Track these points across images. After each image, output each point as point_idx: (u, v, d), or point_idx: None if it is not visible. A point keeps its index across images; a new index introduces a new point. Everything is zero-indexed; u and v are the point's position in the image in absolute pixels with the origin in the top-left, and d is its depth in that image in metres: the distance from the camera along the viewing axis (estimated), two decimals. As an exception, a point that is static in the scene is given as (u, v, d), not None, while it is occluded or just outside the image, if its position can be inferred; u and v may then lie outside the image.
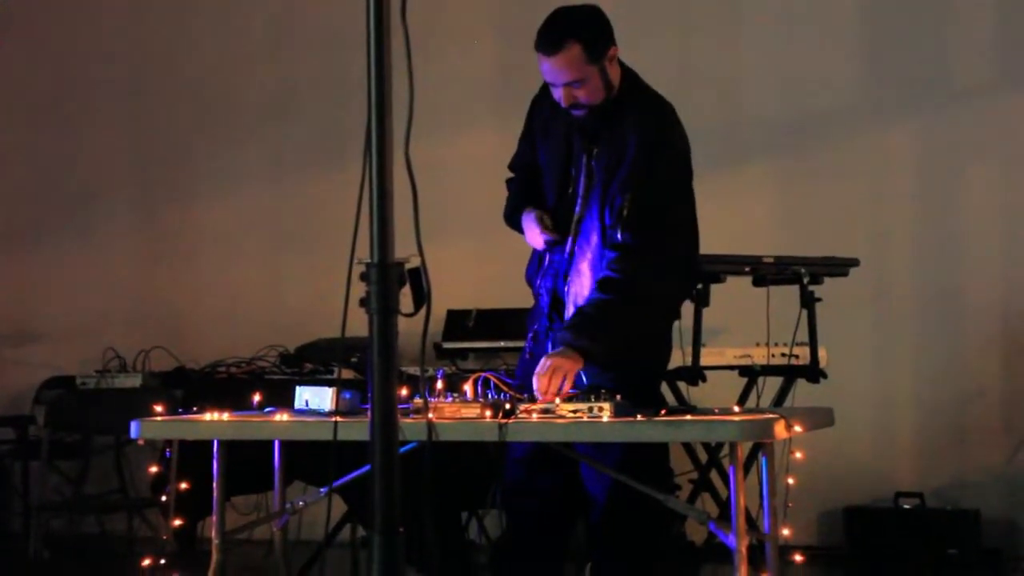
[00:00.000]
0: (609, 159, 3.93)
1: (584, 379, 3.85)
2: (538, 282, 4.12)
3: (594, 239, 3.94)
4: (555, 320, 4.04)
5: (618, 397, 3.55)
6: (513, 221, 4.20)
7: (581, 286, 3.95)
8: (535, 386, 3.76)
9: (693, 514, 3.85)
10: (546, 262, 4.09)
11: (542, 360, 3.80)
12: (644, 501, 3.78)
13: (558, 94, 3.94)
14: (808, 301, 4.97)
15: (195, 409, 5.36)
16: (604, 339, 3.81)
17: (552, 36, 3.88)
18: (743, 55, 7.01)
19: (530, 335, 4.13)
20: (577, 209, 4.01)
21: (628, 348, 3.91)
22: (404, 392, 3.57)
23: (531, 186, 4.17)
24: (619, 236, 3.85)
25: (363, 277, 2.47)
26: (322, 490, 4.07)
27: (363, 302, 2.47)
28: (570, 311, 3.97)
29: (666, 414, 3.63)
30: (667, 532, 4.22)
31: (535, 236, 4.05)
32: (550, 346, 3.96)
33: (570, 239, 4.02)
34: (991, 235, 6.62)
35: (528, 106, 4.23)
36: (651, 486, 3.72)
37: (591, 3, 4.01)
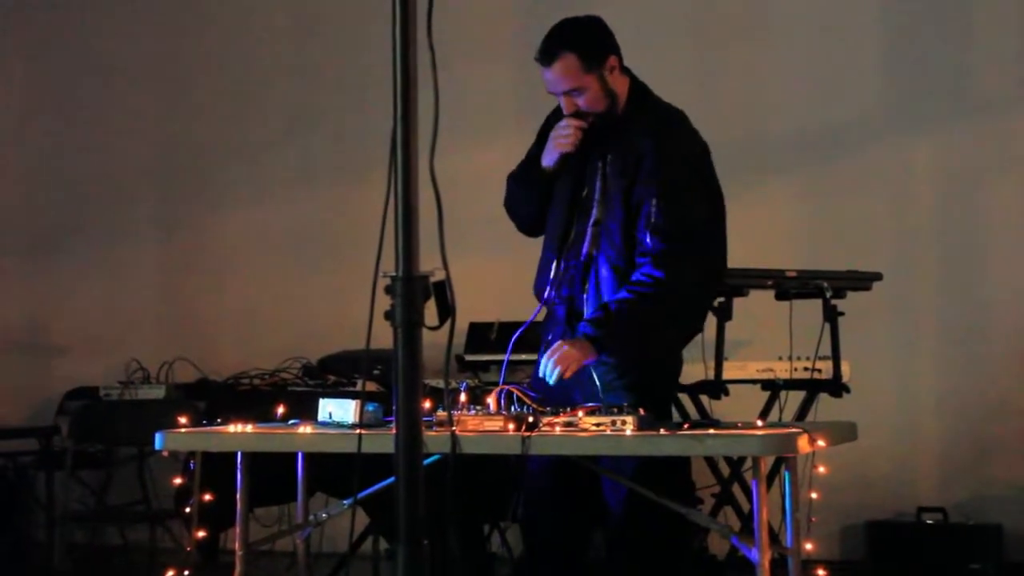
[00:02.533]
0: (625, 164, 3.96)
1: (597, 382, 3.85)
2: (551, 293, 4.09)
3: (617, 242, 3.95)
4: (572, 331, 4.01)
5: (641, 411, 3.55)
6: (513, 180, 4.19)
7: (605, 291, 3.95)
8: (541, 367, 3.81)
9: (716, 528, 3.85)
10: (561, 269, 4.07)
11: (556, 343, 3.83)
12: (660, 510, 3.78)
13: (562, 102, 4.02)
14: (831, 315, 4.96)
15: (219, 421, 5.38)
16: (621, 336, 3.84)
17: (548, 48, 3.97)
18: (766, 68, 7.01)
19: (543, 349, 4.09)
20: (594, 213, 4.03)
21: (643, 351, 3.93)
22: (427, 405, 3.57)
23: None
24: (648, 241, 3.88)
25: (388, 290, 2.48)
26: (345, 502, 4.07)
27: (388, 315, 2.48)
28: (587, 313, 3.96)
29: (689, 428, 3.64)
30: (685, 542, 4.20)
31: (563, 133, 4.00)
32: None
33: (586, 243, 4.03)
34: (1014, 248, 6.60)
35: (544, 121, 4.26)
36: (669, 495, 3.72)
37: (593, 14, 4.08)
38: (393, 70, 2.49)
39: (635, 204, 3.92)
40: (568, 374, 3.81)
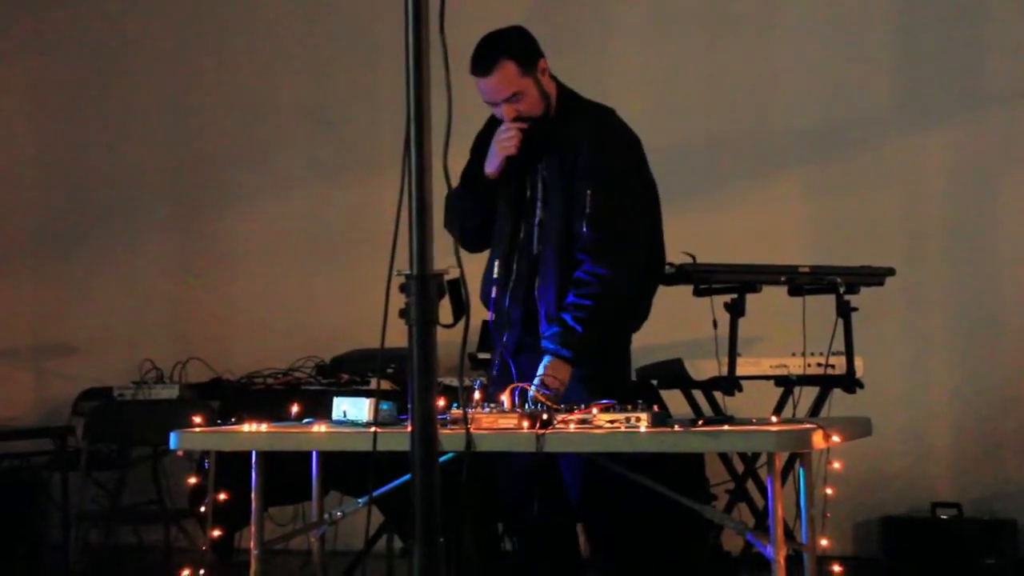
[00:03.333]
0: (563, 162, 4.11)
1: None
2: (505, 297, 4.19)
3: (560, 239, 4.08)
4: (528, 332, 4.14)
5: (655, 407, 3.55)
6: (456, 198, 4.19)
7: (551, 285, 4.08)
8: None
9: (730, 524, 3.85)
10: (513, 271, 4.18)
11: (540, 382, 3.88)
12: (614, 485, 3.87)
13: (499, 111, 4.14)
14: (844, 310, 4.95)
15: (233, 420, 5.39)
16: (587, 345, 3.96)
17: (486, 57, 4.10)
18: (777, 63, 7.01)
19: (496, 353, 4.24)
20: (538, 213, 4.17)
21: (605, 346, 4.06)
22: (441, 403, 3.58)
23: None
24: (584, 231, 4.02)
25: (403, 289, 2.48)
26: (360, 500, 4.08)
27: (402, 313, 2.48)
28: (542, 310, 4.09)
29: (703, 424, 3.64)
30: (655, 522, 4.27)
31: (504, 136, 4.11)
32: (523, 360, 4.08)
33: (534, 241, 4.16)
34: (1027, 243, 6.60)
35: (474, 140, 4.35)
36: (646, 474, 3.74)
37: (515, 24, 4.23)
38: (406, 69, 2.49)
39: (574, 199, 4.07)
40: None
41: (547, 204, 4.14)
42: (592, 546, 4.24)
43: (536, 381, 3.89)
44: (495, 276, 4.24)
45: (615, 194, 4.08)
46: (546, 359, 3.97)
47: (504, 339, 4.19)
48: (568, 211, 4.07)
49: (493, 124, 4.26)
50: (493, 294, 4.24)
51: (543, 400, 3.72)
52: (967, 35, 6.76)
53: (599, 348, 4.03)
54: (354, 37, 7.68)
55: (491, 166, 4.19)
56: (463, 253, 2.60)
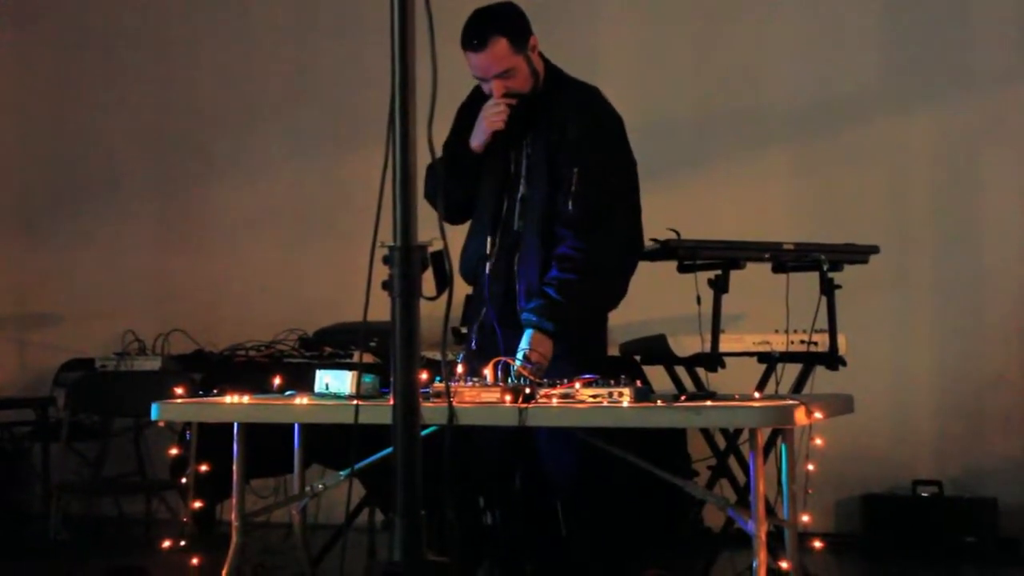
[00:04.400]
0: (548, 139, 4.11)
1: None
2: (486, 272, 4.18)
3: (541, 215, 4.08)
4: (508, 307, 4.13)
5: (638, 382, 3.55)
6: (439, 170, 4.22)
7: (532, 262, 4.07)
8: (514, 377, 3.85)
9: (712, 500, 3.86)
10: (495, 245, 4.17)
11: (523, 356, 3.89)
12: (596, 470, 3.94)
13: (488, 87, 4.14)
14: (828, 288, 4.95)
15: (215, 392, 5.38)
16: (570, 319, 3.97)
17: (478, 32, 4.08)
18: (764, 41, 6.99)
19: (475, 326, 4.22)
20: (521, 188, 4.17)
21: (584, 322, 4.08)
22: (424, 376, 3.57)
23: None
24: (568, 209, 4.02)
25: (386, 260, 2.47)
26: (342, 473, 4.08)
27: (385, 285, 2.47)
28: (522, 287, 4.08)
29: (686, 400, 3.64)
30: (633, 497, 4.30)
31: (493, 111, 4.11)
32: (500, 333, 4.09)
33: (516, 217, 4.16)
34: (1011, 222, 6.60)
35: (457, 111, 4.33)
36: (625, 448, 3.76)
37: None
38: (391, 39, 2.48)
39: (558, 176, 4.07)
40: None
41: (530, 181, 4.14)
42: (568, 523, 4.24)
43: (519, 355, 3.88)
44: (477, 251, 4.23)
45: (600, 173, 4.08)
46: (528, 332, 3.96)
47: (484, 310, 4.18)
48: (551, 188, 4.08)
49: (477, 96, 4.26)
50: (475, 268, 4.23)
51: (526, 374, 3.72)
52: (953, 14, 6.75)
53: (580, 323, 4.03)
54: (338, 7, 7.64)
55: (477, 140, 4.19)
56: (448, 226, 2.59)
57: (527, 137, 4.17)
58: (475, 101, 4.25)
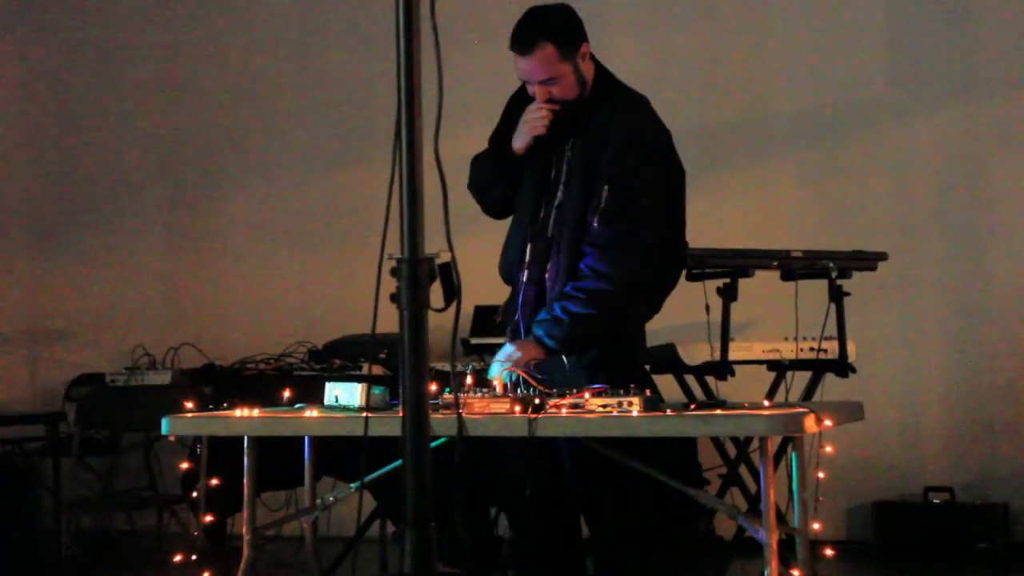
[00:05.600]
0: (588, 150, 4.03)
1: (566, 366, 4.00)
2: (522, 274, 4.15)
3: (573, 225, 4.02)
4: (540, 311, 4.10)
5: (647, 392, 3.55)
6: (490, 162, 4.23)
7: (561, 272, 4.02)
8: (491, 369, 3.90)
9: (723, 508, 3.85)
10: (531, 250, 4.13)
11: (507, 349, 3.94)
12: (614, 480, 3.89)
13: (532, 90, 4.07)
14: (836, 295, 4.95)
15: (225, 406, 5.39)
16: (568, 340, 3.94)
17: (525, 37, 4.01)
18: (770, 50, 7.00)
19: (510, 330, 4.19)
20: (559, 195, 4.10)
21: (589, 342, 4.01)
22: (433, 388, 3.57)
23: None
24: (594, 225, 3.96)
25: (394, 273, 2.48)
26: (352, 486, 4.08)
27: (394, 298, 2.48)
28: (552, 296, 4.04)
29: (695, 408, 3.64)
30: (649, 506, 4.29)
31: (535, 116, 4.06)
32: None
33: (551, 224, 4.09)
34: (1019, 228, 6.59)
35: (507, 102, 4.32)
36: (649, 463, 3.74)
37: (563, 1, 4.13)
38: (397, 52, 2.48)
39: (592, 188, 4.01)
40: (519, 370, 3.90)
41: (568, 188, 4.07)
42: (591, 530, 4.22)
43: (501, 355, 3.91)
44: (513, 254, 4.20)
45: (631, 193, 3.99)
46: (529, 337, 3.97)
47: (517, 318, 4.15)
48: (585, 200, 4.01)
49: (525, 89, 4.18)
50: (510, 271, 4.20)
51: (535, 384, 3.71)
52: (959, 21, 6.75)
53: (587, 339, 3.99)
54: (346, 21, 7.66)
55: (519, 142, 4.13)
56: (456, 236, 2.59)
57: (569, 143, 4.10)
58: (523, 94, 4.19)
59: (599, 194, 3.96)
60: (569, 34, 4.05)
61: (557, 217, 4.08)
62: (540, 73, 4.02)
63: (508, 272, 4.23)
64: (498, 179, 4.22)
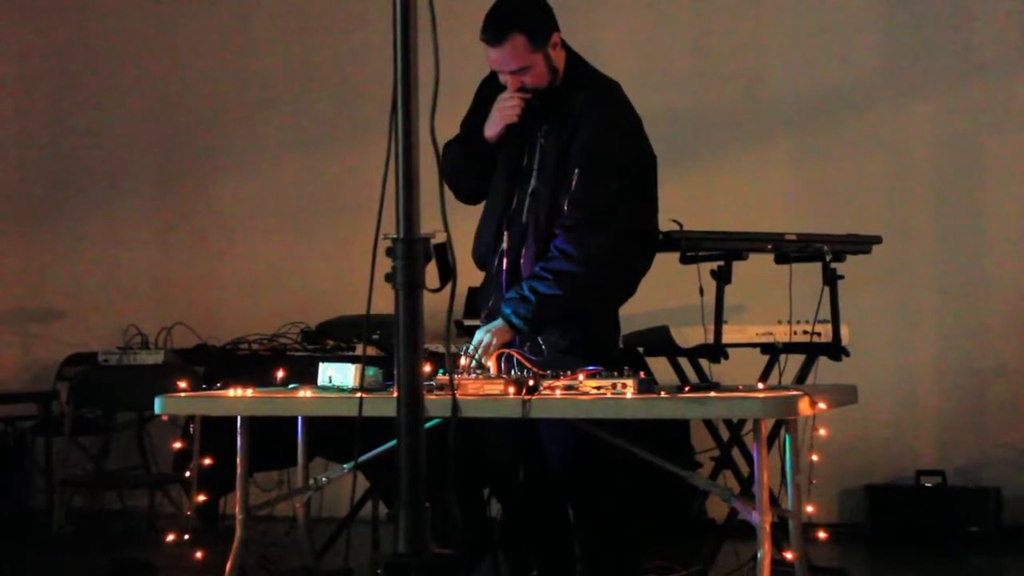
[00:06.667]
0: (560, 135, 4.07)
1: (544, 348, 4.03)
2: (497, 260, 4.18)
3: (546, 210, 4.06)
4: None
5: (641, 374, 3.55)
6: (463, 148, 4.23)
7: (535, 257, 4.06)
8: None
9: (716, 491, 3.86)
10: (504, 237, 4.16)
11: (480, 335, 3.99)
12: (601, 463, 3.97)
13: (504, 79, 4.09)
14: (830, 278, 4.94)
15: (218, 385, 5.38)
16: (536, 319, 3.98)
17: (496, 28, 4.03)
18: (764, 32, 6.99)
19: (484, 315, 4.21)
20: (532, 182, 4.13)
21: (557, 321, 4.03)
22: (427, 368, 3.57)
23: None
24: (566, 210, 4.01)
25: (389, 252, 2.47)
26: (345, 466, 4.08)
27: (389, 277, 2.47)
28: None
29: (690, 391, 3.64)
30: (639, 489, 4.30)
31: (507, 104, 4.09)
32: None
33: (525, 211, 4.12)
34: (1013, 212, 6.60)
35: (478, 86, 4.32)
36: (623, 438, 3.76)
37: None
38: (393, 32, 2.47)
39: (563, 173, 4.04)
40: (494, 353, 3.96)
41: (541, 175, 4.11)
42: (576, 514, 4.24)
43: (474, 341, 3.95)
44: (486, 239, 4.22)
45: (602, 177, 4.04)
46: (498, 321, 4.01)
47: (490, 304, 4.18)
48: (557, 185, 4.05)
49: (493, 83, 4.21)
50: (485, 256, 4.22)
51: (529, 365, 3.72)
52: (955, 2, 6.74)
53: (553, 320, 4.02)
54: (339, 3, 7.63)
55: (491, 130, 4.16)
56: (451, 218, 2.58)
57: (542, 130, 4.13)
58: (494, 80, 4.20)
59: (570, 178, 4.01)
60: (540, 24, 4.07)
61: (531, 204, 4.12)
62: (512, 63, 4.04)
63: (482, 258, 4.25)
64: (470, 166, 4.24)
